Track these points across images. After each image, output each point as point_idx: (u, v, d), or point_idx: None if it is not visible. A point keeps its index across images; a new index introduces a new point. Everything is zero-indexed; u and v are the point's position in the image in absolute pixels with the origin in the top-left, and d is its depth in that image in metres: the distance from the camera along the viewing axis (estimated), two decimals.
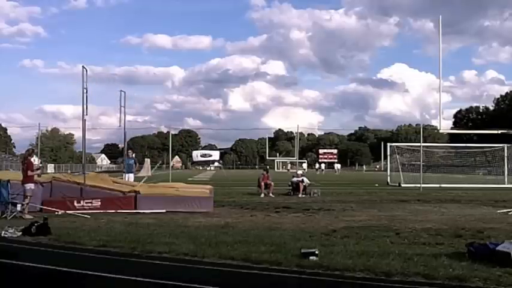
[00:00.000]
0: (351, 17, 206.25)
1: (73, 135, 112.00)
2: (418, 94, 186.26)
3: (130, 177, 19.17)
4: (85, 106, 14.22)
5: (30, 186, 11.94)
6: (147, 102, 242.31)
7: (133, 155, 20.96)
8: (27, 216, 11.31)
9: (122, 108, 18.45)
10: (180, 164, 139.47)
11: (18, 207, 11.69)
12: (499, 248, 6.41)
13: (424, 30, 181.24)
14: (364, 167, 63.21)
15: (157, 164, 36.06)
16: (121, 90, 18.88)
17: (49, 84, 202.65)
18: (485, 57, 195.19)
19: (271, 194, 19.55)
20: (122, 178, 19.31)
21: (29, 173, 12.03)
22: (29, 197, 11.85)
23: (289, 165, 65.86)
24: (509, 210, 13.58)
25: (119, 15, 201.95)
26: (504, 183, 30.72)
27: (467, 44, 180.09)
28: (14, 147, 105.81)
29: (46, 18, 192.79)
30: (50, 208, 12.36)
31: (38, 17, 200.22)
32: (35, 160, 18.55)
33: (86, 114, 14.39)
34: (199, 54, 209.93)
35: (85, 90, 14.19)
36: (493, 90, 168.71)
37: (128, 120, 18.56)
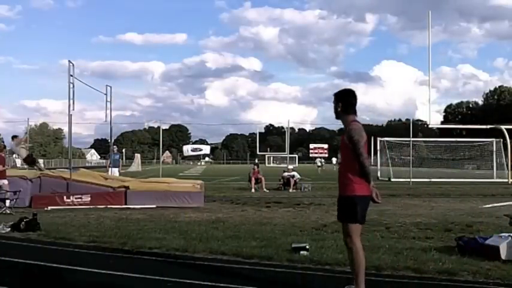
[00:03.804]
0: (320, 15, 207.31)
1: (62, 130, 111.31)
2: (401, 88, 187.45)
3: (115, 171, 19.77)
4: (71, 101, 14.09)
5: (3, 181, 11.86)
6: (127, 97, 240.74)
7: (116, 150, 22.27)
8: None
9: (108, 104, 18.35)
10: (171, 159, 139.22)
11: (7, 203, 11.60)
12: (488, 242, 6.46)
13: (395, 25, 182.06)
14: None
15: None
16: (107, 85, 18.80)
17: (25, 79, 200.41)
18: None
19: (264, 189, 19.56)
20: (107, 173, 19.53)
21: (0, 168, 11.96)
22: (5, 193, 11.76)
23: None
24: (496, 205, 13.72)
25: (90, 14, 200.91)
26: (493, 178, 30.99)
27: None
28: (3, 142, 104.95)
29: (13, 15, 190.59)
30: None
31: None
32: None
33: (73, 109, 14.27)
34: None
35: (71, 85, 14.06)
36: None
37: (115, 115, 18.51)
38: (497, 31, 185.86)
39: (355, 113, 4.75)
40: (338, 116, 4.78)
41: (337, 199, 4.82)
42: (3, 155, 12.60)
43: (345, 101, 4.74)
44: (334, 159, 63.24)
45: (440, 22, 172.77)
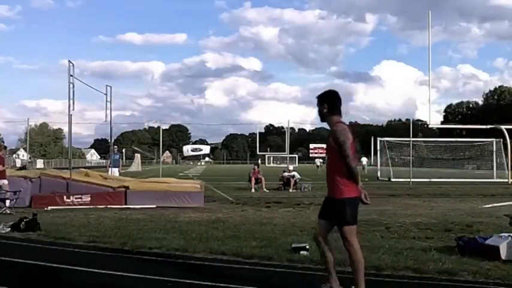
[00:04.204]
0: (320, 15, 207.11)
1: (62, 130, 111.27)
2: (401, 88, 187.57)
3: (115, 171, 19.75)
4: (71, 101, 14.08)
5: (3, 181, 11.89)
6: (127, 97, 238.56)
7: (116, 150, 22.37)
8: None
9: (108, 104, 18.39)
10: (171, 159, 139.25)
11: (7, 203, 11.60)
12: (488, 242, 6.46)
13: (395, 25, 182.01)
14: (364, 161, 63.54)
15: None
16: (107, 85, 18.84)
17: (25, 79, 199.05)
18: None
19: (264, 189, 19.54)
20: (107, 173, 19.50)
21: (0, 167, 12.02)
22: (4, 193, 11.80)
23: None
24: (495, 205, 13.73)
25: (90, 14, 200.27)
26: (493, 178, 30.98)
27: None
28: (3, 142, 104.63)
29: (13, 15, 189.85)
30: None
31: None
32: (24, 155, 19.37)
33: (73, 109, 14.26)
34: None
35: (71, 85, 14.06)
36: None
37: (115, 115, 18.52)
38: (497, 31, 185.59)
39: (340, 114, 4.71)
40: (323, 118, 4.73)
41: (325, 199, 4.79)
42: (1, 154, 12.53)
43: (330, 103, 4.70)
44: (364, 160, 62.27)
45: (440, 22, 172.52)
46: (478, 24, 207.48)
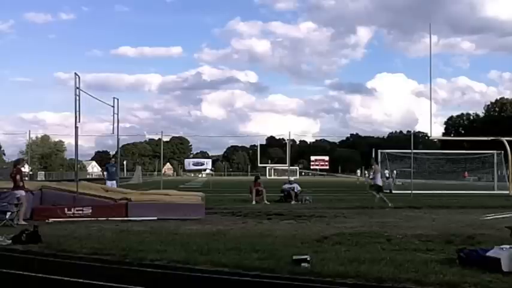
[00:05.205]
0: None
1: (63, 142, 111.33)
2: (400, 100, 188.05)
3: (113, 184, 19.31)
4: (78, 113, 14.11)
5: (20, 193, 11.98)
6: (125, 110, 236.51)
7: (114, 161, 21.61)
8: (22, 223, 11.49)
9: (115, 116, 18.40)
10: (172, 171, 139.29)
11: (8, 215, 11.61)
12: (489, 253, 6.46)
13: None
14: (358, 173, 62.75)
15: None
16: (114, 97, 18.89)
17: (21, 92, 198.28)
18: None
19: (265, 201, 19.50)
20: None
21: (18, 179, 12.16)
22: (21, 204, 11.88)
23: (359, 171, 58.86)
24: (493, 215, 13.72)
25: (85, 27, 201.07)
26: (494, 190, 30.94)
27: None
28: (4, 154, 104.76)
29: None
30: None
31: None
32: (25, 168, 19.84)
33: (79, 121, 14.27)
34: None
35: (77, 98, 14.10)
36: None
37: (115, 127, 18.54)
38: (495, 43, 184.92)
39: None
40: None
41: None
42: (19, 167, 13.13)
43: None
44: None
45: (434, 34, 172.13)
46: (471, 37, 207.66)
